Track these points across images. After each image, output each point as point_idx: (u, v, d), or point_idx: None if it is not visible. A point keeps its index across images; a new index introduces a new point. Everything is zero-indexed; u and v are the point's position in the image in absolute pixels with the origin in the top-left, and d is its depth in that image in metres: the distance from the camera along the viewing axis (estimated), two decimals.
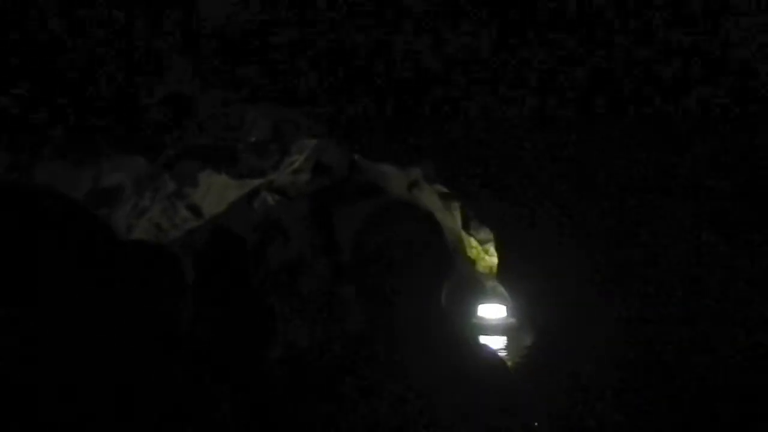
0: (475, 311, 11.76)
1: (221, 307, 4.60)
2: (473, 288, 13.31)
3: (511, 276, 9.81)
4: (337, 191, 14.77)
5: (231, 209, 11.46)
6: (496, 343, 11.22)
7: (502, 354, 10.94)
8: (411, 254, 8.59)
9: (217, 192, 10.55)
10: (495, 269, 12.17)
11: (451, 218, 13.40)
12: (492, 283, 12.39)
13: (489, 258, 11.99)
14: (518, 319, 11.35)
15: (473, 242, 11.98)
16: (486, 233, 11.02)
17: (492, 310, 11.60)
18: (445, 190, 11.09)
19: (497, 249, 9.82)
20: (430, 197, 13.85)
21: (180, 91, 5.92)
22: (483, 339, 11.35)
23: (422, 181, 13.49)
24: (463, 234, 11.97)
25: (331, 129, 6.80)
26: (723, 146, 9.66)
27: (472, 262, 12.29)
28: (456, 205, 11.48)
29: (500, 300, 11.76)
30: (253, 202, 14.42)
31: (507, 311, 11.62)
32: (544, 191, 7.83)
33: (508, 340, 11.24)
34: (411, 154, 6.61)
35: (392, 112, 5.77)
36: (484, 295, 12.26)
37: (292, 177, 14.96)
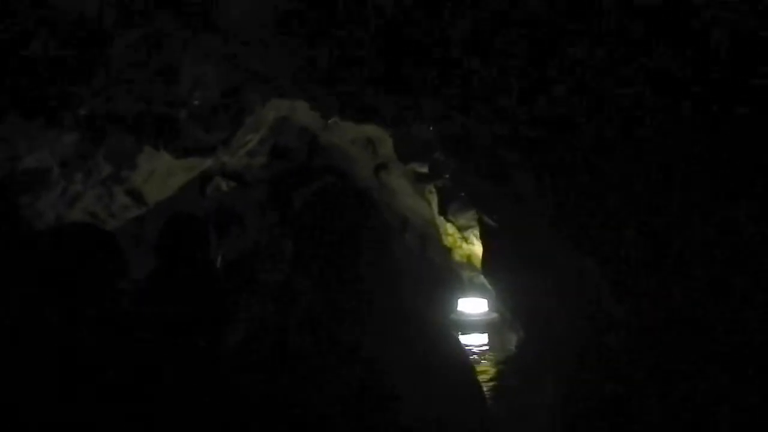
0: (454, 306, 10.58)
1: (174, 299, 3.94)
2: (449, 279, 12.15)
3: (497, 266, 8.65)
4: (296, 176, 13.55)
5: (181, 196, 10.32)
6: (477, 340, 10.09)
7: (482, 354, 9.81)
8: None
9: (160, 176, 9.17)
10: (473, 258, 10.98)
11: (422, 203, 12.17)
12: (470, 274, 11.20)
13: (467, 246, 10.77)
14: (502, 314, 10.18)
15: (450, 229, 10.75)
16: (467, 219, 9.80)
17: (472, 305, 10.40)
18: (422, 170, 9.82)
19: (482, 236, 8.65)
20: (398, 180, 12.60)
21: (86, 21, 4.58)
22: (463, 337, 10.20)
23: (391, 164, 12.24)
24: (439, 220, 10.74)
25: (305, 80, 5.45)
26: None
27: (448, 251, 11.08)
28: (431, 188, 10.24)
29: (482, 293, 10.57)
30: (206, 189, 13.11)
31: (489, 306, 10.43)
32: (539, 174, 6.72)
33: (491, 337, 10.07)
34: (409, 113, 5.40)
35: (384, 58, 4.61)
36: (463, 288, 11.10)
37: (247, 160, 13.62)
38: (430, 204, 10.70)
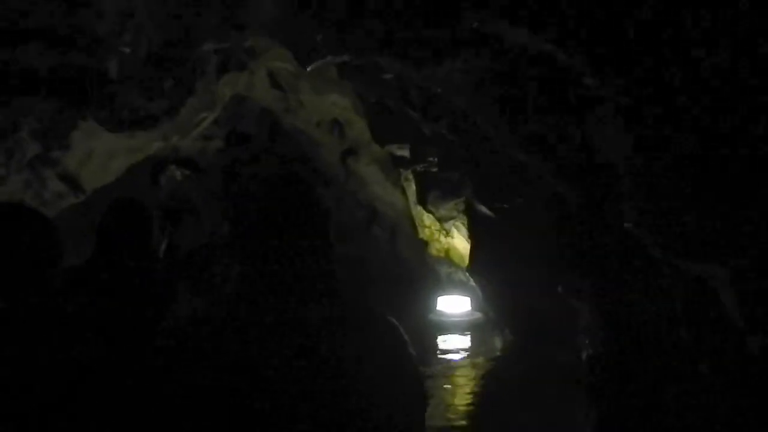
0: (432, 305, 9.46)
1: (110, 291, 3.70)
2: (424, 275, 11.01)
3: (486, 262, 7.55)
4: (254, 163, 12.33)
5: (129, 184, 9.11)
6: (458, 342, 8.99)
7: (464, 357, 8.71)
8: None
9: (100, 158, 7.90)
10: (452, 253, 9.88)
11: (395, 192, 11.01)
12: (448, 270, 10.09)
13: (445, 240, 9.66)
14: (486, 314, 9.10)
15: (427, 220, 9.63)
16: (449, 209, 8.64)
17: (453, 304, 9.28)
18: (402, 152, 8.61)
19: (471, 227, 7.56)
20: (367, 168, 11.43)
21: None
22: (443, 338, 9.10)
23: (360, 149, 11.06)
24: (415, 211, 9.61)
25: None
26: None
27: (423, 245, 9.96)
28: (409, 175, 9.07)
29: (462, 291, 9.46)
30: (160, 178, 11.82)
31: (472, 304, 9.32)
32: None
33: (474, 340, 8.97)
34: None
35: None
36: (441, 285, 9.98)
37: (202, 144, 12.36)
38: (404, 193, 9.55)
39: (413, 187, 9.17)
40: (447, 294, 9.40)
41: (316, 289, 1.94)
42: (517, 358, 8.00)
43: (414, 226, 10.04)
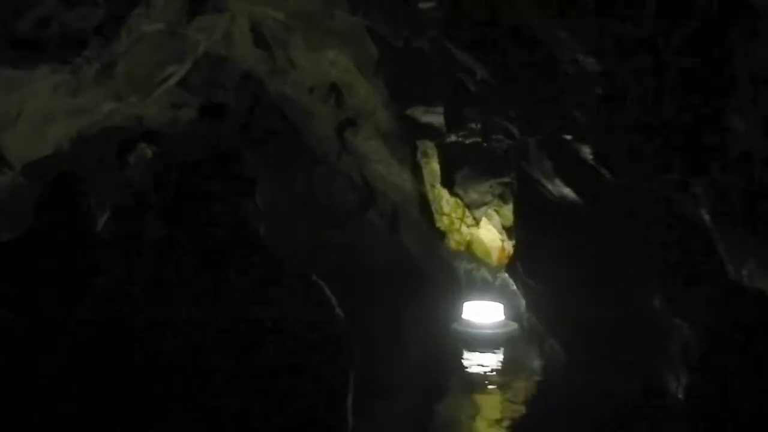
0: (457, 311, 7.48)
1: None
2: (435, 271, 9.05)
3: (535, 261, 5.62)
4: (233, 137, 10.34)
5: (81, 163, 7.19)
6: (488, 361, 7.04)
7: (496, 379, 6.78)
8: None
9: (29, 122, 5.89)
10: (475, 246, 7.93)
11: (402, 171, 9.02)
12: (468, 266, 8.15)
13: (467, 230, 7.71)
14: (524, 326, 7.14)
15: (446, 206, 7.66)
16: (481, 192, 6.61)
17: (482, 312, 7.30)
18: (430, 119, 6.45)
19: (518, 216, 5.66)
20: (368, 143, 9.43)
21: None
22: (469, 355, 7.15)
23: (361, 119, 9.06)
24: (433, 194, 7.63)
25: None
26: None
27: (440, 235, 7.99)
28: (429, 149, 7.03)
29: (489, 293, 7.50)
30: (128, 158, 9.82)
31: (506, 313, 7.34)
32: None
33: (508, 357, 7.00)
34: None
35: None
36: (457, 284, 8.01)
37: (172, 113, 10.29)
38: (416, 172, 7.55)
39: (433, 164, 7.18)
40: (474, 299, 7.44)
41: (242, 255, 1.87)
42: (565, 384, 6.10)
43: (427, 213, 8.06)
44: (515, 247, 6.15)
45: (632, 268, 4.64)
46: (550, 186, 4.62)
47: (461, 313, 7.31)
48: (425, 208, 8.44)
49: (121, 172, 8.81)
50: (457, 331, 7.16)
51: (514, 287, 7.59)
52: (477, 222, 6.98)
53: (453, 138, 6.14)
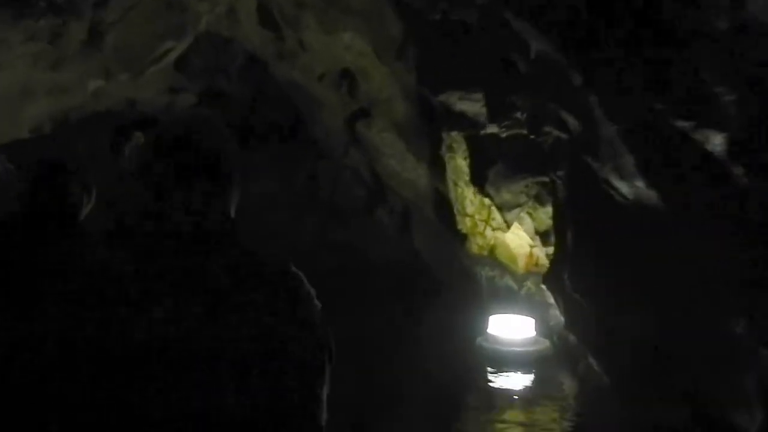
0: (482, 325, 6.62)
1: None
2: (456, 279, 8.19)
3: (577, 269, 4.79)
4: (232, 127, 9.48)
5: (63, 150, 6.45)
6: (516, 383, 6.18)
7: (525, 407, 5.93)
8: None
9: (3, 99, 5.03)
10: (498, 251, 7.10)
11: (417, 166, 8.16)
12: (491, 273, 7.31)
13: (492, 233, 6.88)
14: (556, 342, 6.31)
15: (470, 206, 6.82)
16: (514, 192, 5.73)
17: (510, 326, 6.43)
18: (465, 106, 5.52)
19: (561, 219, 4.85)
20: (382, 135, 8.58)
21: None
22: (495, 375, 6.31)
23: (375, 109, 8.20)
24: (456, 192, 6.77)
25: None
26: None
27: (462, 238, 7.15)
28: (455, 142, 6.13)
29: (514, 304, 6.65)
30: (123, 148, 9.03)
31: (537, 328, 6.48)
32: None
33: (539, 380, 6.13)
34: None
35: None
36: (477, 292, 7.16)
37: (169, 97, 9.45)
38: (441, 167, 6.69)
39: (458, 160, 6.33)
40: (496, 308, 6.61)
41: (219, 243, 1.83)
42: (606, 412, 5.29)
43: (445, 213, 7.23)
44: (556, 255, 5.31)
45: (713, 286, 3.84)
46: (623, 187, 3.78)
47: (486, 327, 6.47)
48: (443, 207, 7.62)
49: (114, 162, 8.01)
50: (482, 347, 6.31)
51: (540, 297, 6.82)
52: (508, 225, 6.14)
53: (491, 129, 5.29)
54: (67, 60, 5.07)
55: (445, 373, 6.35)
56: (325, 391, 1.83)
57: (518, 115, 4.97)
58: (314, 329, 1.83)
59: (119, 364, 1.73)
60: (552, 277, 5.44)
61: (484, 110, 5.28)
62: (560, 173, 4.88)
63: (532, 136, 4.95)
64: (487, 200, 6.60)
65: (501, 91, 4.92)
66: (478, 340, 6.40)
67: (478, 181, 5.89)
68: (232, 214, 1.91)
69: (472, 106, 5.34)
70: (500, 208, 5.98)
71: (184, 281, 1.78)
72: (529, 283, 6.92)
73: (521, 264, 6.95)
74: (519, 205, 5.84)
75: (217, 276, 1.78)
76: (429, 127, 6.75)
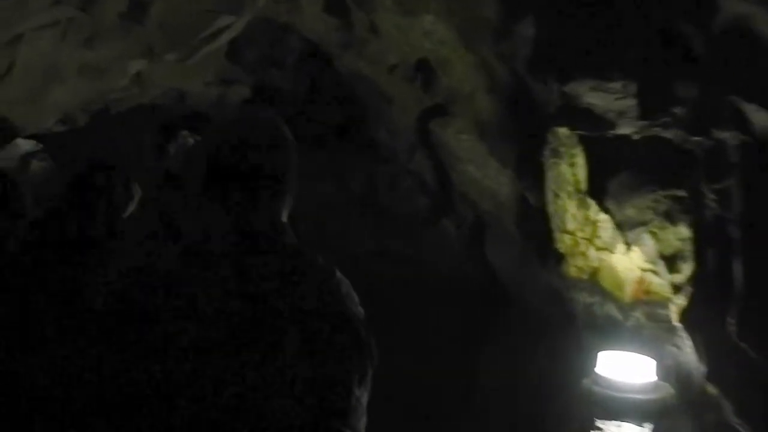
0: (590, 362, 5.47)
1: None
2: (546, 305, 7.05)
3: (744, 311, 3.74)
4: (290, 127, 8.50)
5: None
6: None
7: None
8: None
9: (25, 78, 4.07)
10: (601, 275, 5.98)
11: (501, 173, 7.05)
12: (590, 300, 6.19)
13: (596, 254, 5.76)
14: (680, 390, 5.13)
15: (571, 222, 5.72)
16: (641, 207, 4.57)
17: (624, 366, 5.29)
18: (597, 100, 4.35)
19: (696, 241, 3.79)
20: (459, 136, 7.47)
21: None
22: (606, 425, 5.18)
23: (455, 106, 7.10)
24: (556, 204, 5.65)
25: None
26: None
27: (558, 258, 6.05)
28: (564, 145, 4.96)
29: (629, 343, 5.50)
30: (168, 147, 8.17)
31: (659, 371, 5.33)
32: None
33: None
34: None
35: None
36: (571, 324, 6.01)
37: (220, 89, 8.45)
38: (541, 175, 5.59)
39: (562, 167, 5.20)
40: (601, 345, 5.49)
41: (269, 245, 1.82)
42: None
43: (539, 228, 6.12)
44: (698, 288, 4.19)
45: None
46: None
47: (594, 366, 5.34)
48: (529, 221, 6.54)
49: (159, 162, 7.21)
50: (591, 390, 5.19)
51: (652, 331, 5.69)
52: (628, 246, 5.01)
53: (623, 129, 4.19)
54: (102, 34, 4.08)
55: (544, 419, 5.29)
56: (365, 395, 1.78)
57: (677, 110, 3.86)
58: (359, 335, 1.78)
59: (163, 363, 1.68)
60: (696, 314, 4.31)
61: (620, 104, 4.17)
62: (718, 186, 3.78)
63: (696, 138, 3.82)
64: (592, 215, 5.50)
65: (656, 78, 3.80)
66: (585, 381, 5.27)
67: (597, 192, 4.77)
68: (284, 218, 1.86)
69: (605, 98, 4.21)
70: (619, 226, 4.86)
71: (232, 282, 1.72)
72: (637, 314, 5.76)
73: (629, 291, 5.79)
74: (643, 223, 4.71)
75: (265, 279, 1.73)
76: (523, 126, 5.66)
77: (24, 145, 6.98)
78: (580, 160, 5.01)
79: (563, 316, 6.48)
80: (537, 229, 6.49)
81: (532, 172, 5.96)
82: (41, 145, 7.64)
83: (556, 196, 5.56)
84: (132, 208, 4.29)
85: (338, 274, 1.83)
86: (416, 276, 8.41)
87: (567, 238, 5.85)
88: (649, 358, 5.23)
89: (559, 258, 6.00)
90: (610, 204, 4.74)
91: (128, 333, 1.72)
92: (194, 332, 1.68)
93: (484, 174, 7.06)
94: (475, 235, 8.31)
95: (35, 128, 4.12)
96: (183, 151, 7.66)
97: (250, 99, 8.37)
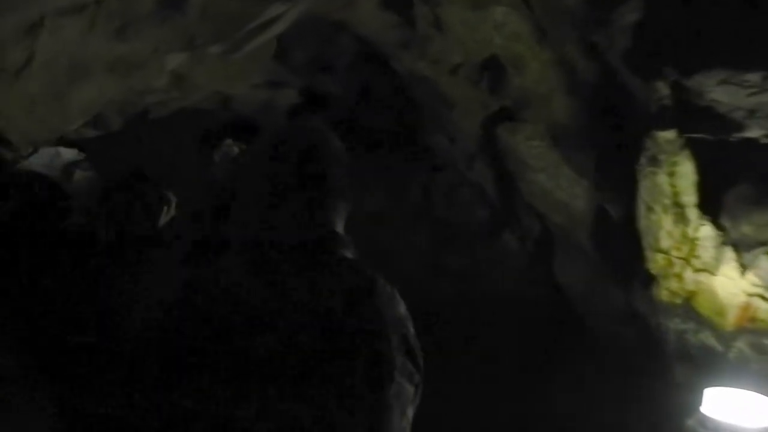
0: (688, 400, 4.73)
1: None
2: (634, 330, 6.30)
3: None
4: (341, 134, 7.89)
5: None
6: None
7: None
8: None
9: (44, 72, 3.51)
10: (698, 299, 5.26)
11: (576, 183, 6.32)
12: (682, 327, 5.45)
13: (694, 276, 5.05)
14: None
15: (665, 239, 5.00)
16: (760, 227, 3.87)
17: (738, 406, 4.56)
18: (713, 94, 3.58)
19: None
20: (530, 143, 6.72)
21: None
22: None
23: (526, 110, 6.39)
24: (649, 220, 4.93)
25: None
26: None
27: (649, 280, 5.33)
28: (672, 154, 4.26)
29: (743, 380, 4.78)
30: (214, 155, 7.73)
31: None
32: None
33: None
34: None
35: None
36: (693, 363, 5.28)
37: (267, 94, 7.81)
38: (633, 186, 4.89)
39: (660, 177, 4.50)
40: (708, 380, 4.76)
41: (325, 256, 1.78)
42: None
43: (625, 245, 5.41)
44: None
45: None
46: None
47: (699, 405, 4.60)
48: (608, 236, 5.85)
49: (203, 171, 6.72)
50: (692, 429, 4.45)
51: (761, 364, 4.95)
52: (743, 268, 4.30)
53: (751, 132, 3.51)
54: (136, 23, 3.48)
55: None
56: (411, 411, 1.76)
57: None
58: (415, 359, 1.75)
59: (225, 378, 1.65)
60: None
61: (754, 101, 3.47)
62: None
63: None
64: (690, 232, 4.78)
65: None
66: (690, 423, 4.54)
67: (709, 207, 4.08)
68: (339, 228, 1.83)
69: (736, 94, 3.49)
70: (735, 246, 4.15)
71: (293, 295, 1.68)
72: (740, 344, 5.01)
73: (731, 318, 5.04)
74: (763, 243, 4.00)
75: (330, 295, 1.68)
76: (609, 131, 4.97)
77: (66, 154, 6.57)
78: (684, 169, 4.29)
79: (648, 344, 5.74)
80: (618, 247, 5.79)
81: (617, 182, 5.26)
82: (84, 155, 7.24)
83: (650, 210, 4.84)
84: (167, 217, 4.17)
85: (397, 294, 1.79)
86: (474, 293, 7.83)
87: (660, 258, 5.12)
88: (763, 396, 4.49)
89: (649, 279, 5.28)
90: (724, 220, 4.03)
91: (195, 348, 1.67)
92: (270, 345, 1.64)
93: (556, 184, 6.34)
94: (541, 251, 7.61)
95: (58, 131, 3.54)
96: (228, 161, 7.10)
97: (298, 104, 7.80)
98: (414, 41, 6.18)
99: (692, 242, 4.92)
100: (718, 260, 4.79)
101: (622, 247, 5.62)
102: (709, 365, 5.14)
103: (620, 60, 4.28)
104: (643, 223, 4.98)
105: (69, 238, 3.19)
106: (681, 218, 4.80)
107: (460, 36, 5.70)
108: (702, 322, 5.30)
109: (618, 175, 5.12)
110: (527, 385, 6.32)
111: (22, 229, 3.04)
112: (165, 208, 3.91)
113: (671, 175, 4.49)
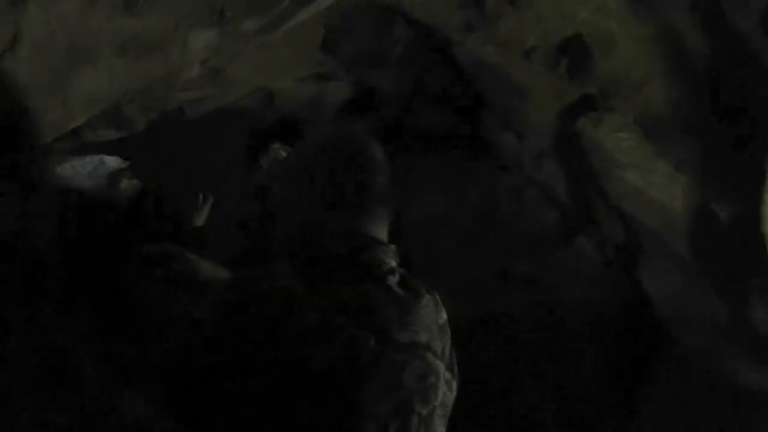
0: None
1: None
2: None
3: None
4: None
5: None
6: None
7: None
8: None
9: (41, 52, 2.83)
10: None
11: (672, 180, 5.48)
12: None
13: None
14: None
15: None
16: None
17: None
18: None
19: None
20: (617, 136, 5.82)
21: None
22: None
23: (614, 98, 5.57)
24: None
25: None
26: None
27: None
28: None
29: None
30: (261, 159, 7.19)
31: None
32: None
33: None
34: None
35: None
36: None
37: (316, 88, 7.11)
38: (760, 184, 4.07)
39: None
40: None
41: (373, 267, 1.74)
42: None
43: (738, 254, 4.58)
44: None
45: None
46: None
47: None
48: (715, 243, 5.01)
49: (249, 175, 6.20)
50: None
51: None
52: None
53: None
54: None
55: None
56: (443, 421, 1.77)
57: None
58: (452, 361, 1.79)
59: (278, 387, 1.60)
60: None
61: None
62: None
63: None
64: None
65: None
66: None
67: None
68: (383, 236, 1.81)
69: None
70: None
71: (348, 306, 1.65)
72: None
73: None
74: None
75: (373, 304, 1.67)
76: (726, 119, 4.14)
77: (111, 162, 6.10)
78: None
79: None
80: (726, 253, 4.96)
81: (730, 179, 4.42)
82: (128, 162, 6.80)
83: None
84: (200, 220, 4.09)
85: (440, 301, 1.84)
86: (546, 303, 7.12)
87: None
88: None
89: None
90: None
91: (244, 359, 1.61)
92: (327, 356, 1.60)
93: (649, 182, 5.48)
94: (623, 257, 6.78)
95: (60, 127, 2.85)
96: (275, 165, 6.40)
97: (348, 100, 7.10)
98: (481, 23, 5.38)
99: None
100: None
101: (733, 254, 4.78)
102: None
103: (758, 23, 3.45)
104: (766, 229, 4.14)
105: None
106: None
107: (537, 11, 4.89)
108: None
109: (732, 170, 4.28)
110: (610, 405, 5.62)
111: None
112: (196, 212, 3.80)
113: None
